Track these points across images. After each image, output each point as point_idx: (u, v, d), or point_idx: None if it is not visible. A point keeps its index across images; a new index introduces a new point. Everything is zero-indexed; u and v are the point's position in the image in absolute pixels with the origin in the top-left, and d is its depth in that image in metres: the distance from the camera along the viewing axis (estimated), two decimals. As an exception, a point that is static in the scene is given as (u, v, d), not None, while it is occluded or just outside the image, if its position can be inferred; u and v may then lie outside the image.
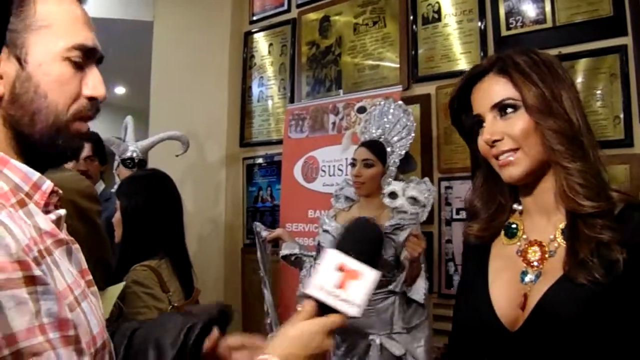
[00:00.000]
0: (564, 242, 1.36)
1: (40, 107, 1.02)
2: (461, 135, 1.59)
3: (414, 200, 2.98)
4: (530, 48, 1.46)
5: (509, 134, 1.37)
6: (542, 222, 1.44)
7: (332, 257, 1.15)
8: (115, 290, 2.24)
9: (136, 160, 4.30)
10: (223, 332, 1.37)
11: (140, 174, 2.79)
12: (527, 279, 1.39)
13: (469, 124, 1.52)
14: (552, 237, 1.40)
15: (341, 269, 1.13)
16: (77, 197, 2.39)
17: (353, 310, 1.12)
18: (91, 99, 1.09)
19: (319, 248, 3.25)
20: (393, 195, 3.00)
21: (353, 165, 3.14)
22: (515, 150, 1.38)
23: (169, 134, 4.61)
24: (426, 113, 4.04)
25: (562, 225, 1.39)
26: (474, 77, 1.48)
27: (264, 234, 3.48)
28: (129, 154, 4.31)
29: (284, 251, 3.33)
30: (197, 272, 2.79)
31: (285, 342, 1.11)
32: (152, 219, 2.55)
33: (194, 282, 2.73)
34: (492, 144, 1.39)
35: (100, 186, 4.07)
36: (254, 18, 5.34)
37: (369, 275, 1.14)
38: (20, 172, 0.98)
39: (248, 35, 5.35)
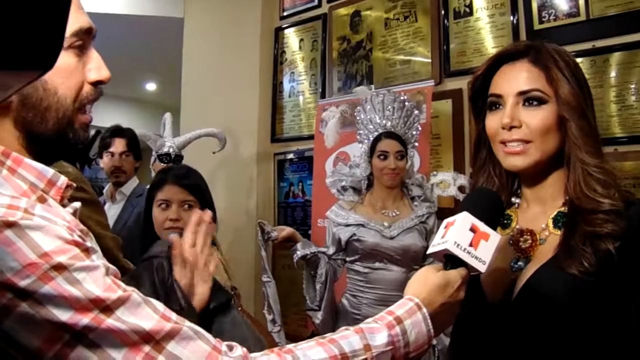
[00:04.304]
0: (555, 230, 1.41)
1: (50, 104, 1.02)
2: (473, 113, 1.61)
3: (463, 189, 3.06)
4: (558, 46, 1.49)
5: (529, 125, 1.40)
6: (536, 212, 1.49)
7: (466, 219, 1.27)
8: None
9: (172, 156, 4.35)
10: None
11: (192, 168, 2.79)
12: (517, 266, 1.44)
13: (481, 103, 1.54)
14: (543, 225, 1.45)
15: (473, 229, 1.25)
16: None
17: (482, 267, 1.24)
18: (95, 83, 1.10)
19: (343, 243, 3.22)
20: (444, 184, 3.06)
21: (385, 157, 3.16)
22: (526, 142, 1.40)
23: (206, 131, 4.66)
24: (458, 108, 4.03)
25: (553, 214, 1.44)
26: (503, 58, 1.49)
27: (274, 234, 3.42)
28: (165, 150, 4.37)
29: (303, 251, 3.29)
30: (230, 265, 2.82)
31: (427, 287, 1.21)
32: None
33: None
34: (509, 129, 1.41)
35: (134, 182, 4.15)
36: (285, 14, 5.35)
37: (495, 238, 1.27)
38: (35, 170, 1.00)
39: (279, 31, 5.36)
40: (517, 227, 1.49)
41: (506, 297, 1.41)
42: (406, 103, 3.28)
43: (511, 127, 1.41)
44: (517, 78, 1.43)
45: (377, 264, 3.13)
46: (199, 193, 2.54)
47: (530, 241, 1.44)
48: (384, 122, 3.22)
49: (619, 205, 1.32)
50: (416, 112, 3.32)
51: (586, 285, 1.27)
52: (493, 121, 1.46)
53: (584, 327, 1.29)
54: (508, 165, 1.44)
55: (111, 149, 4.08)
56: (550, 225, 1.43)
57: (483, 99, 1.53)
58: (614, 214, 1.31)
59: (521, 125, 1.40)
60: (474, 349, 1.50)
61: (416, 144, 3.33)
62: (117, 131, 4.14)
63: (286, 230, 3.44)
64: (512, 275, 1.43)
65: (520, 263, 1.43)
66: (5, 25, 0.44)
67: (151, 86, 9.79)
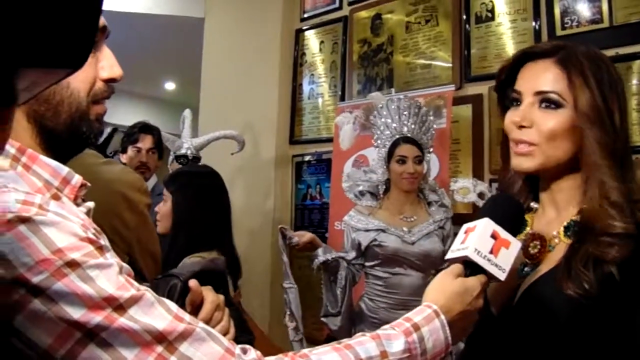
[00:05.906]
0: (565, 239, 1.37)
1: (63, 97, 1.02)
2: (499, 105, 1.56)
3: (483, 196, 3.07)
4: (593, 48, 1.43)
5: (539, 127, 1.35)
6: (551, 217, 1.45)
7: (488, 226, 1.25)
8: None
9: (190, 158, 4.35)
10: (214, 285, 1.46)
11: (190, 168, 2.85)
12: (524, 271, 1.41)
13: (505, 97, 1.51)
14: (555, 232, 1.41)
15: (494, 236, 1.23)
16: (127, 189, 2.44)
17: (502, 275, 1.22)
18: (107, 81, 1.10)
19: (363, 248, 3.21)
20: (465, 190, 3.06)
21: (404, 162, 3.16)
22: (533, 145, 1.36)
23: (225, 133, 4.65)
24: (478, 113, 4.00)
25: (566, 223, 1.39)
26: (530, 55, 1.45)
27: (295, 239, 3.35)
28: (183, 151, 4.37)
29: (325, 256, 3.24)
30: (246, 266, 2.82)
31: (446, 294, 1.19)
32: (201, 213, 2.64)
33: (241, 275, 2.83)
34: (519, 128, 1.38)
35: (154, 180, 4.16)
36: (305, 15, 5.35)
37: (516, 245, 1.25)
38: (49, 168, 0.99)
39: (299, 32, 5.36)
40: (530, 231, 1.45)
41: (508, 302, 1.39)
42: (421, 108, 3.28)
43: (522, 127, 1.37)
44: (538, 77, 1.38)
45: (396, 269, 3.13)
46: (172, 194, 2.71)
47: (539, 247, 1.40)
48: (400, 127, 3.22)
49: (631, 229, 1.26)
50: (431, 117, 3.33)
51: (584, 303, 1.24)
52: (509, 118, 1.42)
53: (579, 340, 1.26)
54: (514, 165, 1.41)
55: (139, 144, 4.05)
56: (562, 232, 1.39)
57: (506, 93, 1.50)
58: (624, 237, 1.25)
59: (532, 125, 1.36)
60: (478, 352, 1.49)
61: (431, 149, 3.35)
62: (145, 127, 4.14)
63: (307, 236, 3.41)
64: (518, 280, 1.40)
65: (527, 269, 1.40)
66: (39, 23, 0.44)
67: (170, 85, 9.82)
